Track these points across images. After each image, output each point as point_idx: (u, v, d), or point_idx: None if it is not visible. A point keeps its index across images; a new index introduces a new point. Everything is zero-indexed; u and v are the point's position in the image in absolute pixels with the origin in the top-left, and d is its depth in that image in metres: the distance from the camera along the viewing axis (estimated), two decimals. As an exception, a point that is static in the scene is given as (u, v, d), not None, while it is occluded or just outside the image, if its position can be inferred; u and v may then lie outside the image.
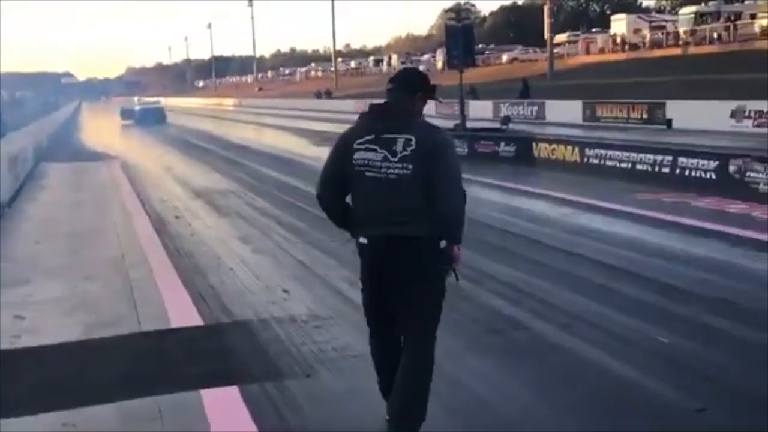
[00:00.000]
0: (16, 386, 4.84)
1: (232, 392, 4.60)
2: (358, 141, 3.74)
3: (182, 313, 6.27)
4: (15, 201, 13.27)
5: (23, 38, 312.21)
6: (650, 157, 12.82)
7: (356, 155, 3.72)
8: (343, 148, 3.82)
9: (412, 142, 3.63)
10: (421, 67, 72.95)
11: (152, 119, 43.02)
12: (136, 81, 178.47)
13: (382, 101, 3.91)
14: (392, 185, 3.63)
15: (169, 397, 4.55)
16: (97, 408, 4.43)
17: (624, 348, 5.15)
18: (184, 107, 76.48)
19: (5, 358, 5.37)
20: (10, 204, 12.68)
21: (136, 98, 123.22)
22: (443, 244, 3.74)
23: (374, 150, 3.68)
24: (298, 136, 29.47)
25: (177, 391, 4.62)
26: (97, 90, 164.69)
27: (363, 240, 3.77)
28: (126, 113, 47.86)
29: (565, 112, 29.57)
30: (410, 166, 3.61)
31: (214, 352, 5.34)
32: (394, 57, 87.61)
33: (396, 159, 3.63)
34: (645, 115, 25.65)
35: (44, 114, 38.73)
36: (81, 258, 8.58)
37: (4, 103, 27.43)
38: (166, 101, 61.31)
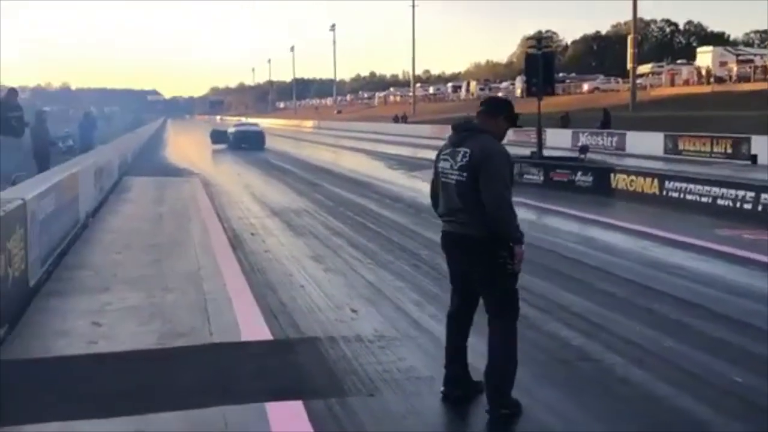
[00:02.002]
0: (91, 389, 4.99)
1: (296, 407, 4.65)
2: (442, 152, 4.64)
3: (253, 327, 6.37)
4: (98, 212, 13.71)
5: (112, 54, 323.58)
6: (732, 192, 12.48)
7: (439, 164, 4.64)
8: (436, 157, 4.71)
9: (467, 154, 4.43)
10: (500, 94, 73.15)
11: (249, 144, 36.32)
12: (219, 100, 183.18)
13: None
14: (454, 190, 4.49)
15: (236, 408, 4.63)
16: (167, 415, 4.54)
17: (697, 385, 5.01)
18: (265, 127, 77.84)
19: (82, 362, 5.55)
20: (93, 215, 13.11)
21: (218, 117, 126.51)
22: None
23: (447, 159, 4.56)
24: (373, 159, 29.72)
25: (243, 403, 4.70)
26: (181, 108, 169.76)
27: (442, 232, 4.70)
28: (217, 136, 39.67)
29: (646, 143, 29.05)
30: (465, 174, 4.42)
31: (281, 366, 5.41)
32: (473, 83, 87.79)
33: (456, 168, 4.47)
34: (729, 150, 24.99)
35: (130, 129, 39.97)
36: (159, 269, 8.80)
37: (92, 117, 28.43)
38: (247, 121, 58.91)
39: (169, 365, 5.47)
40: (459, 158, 4.45)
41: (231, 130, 39.58)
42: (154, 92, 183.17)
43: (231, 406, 4.64)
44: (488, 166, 4.36)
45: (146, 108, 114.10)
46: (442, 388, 4.75)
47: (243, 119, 68.33)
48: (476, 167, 4.37)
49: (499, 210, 4.35)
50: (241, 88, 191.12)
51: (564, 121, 35.93)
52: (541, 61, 18.76)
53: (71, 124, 30.17)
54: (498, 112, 4.64)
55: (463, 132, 4.58)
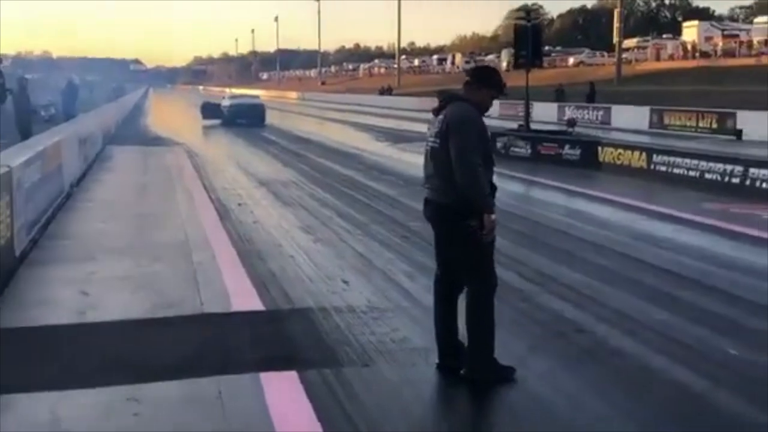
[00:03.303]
0: (82, 359, 4.93)
1: (291, 377, 4.61)
2: (430, 122, 4.68)
3: (243, 297, 6.31)
4: (83, 181, 13.56)
5: (95, 23, 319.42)
6: (720, 166, 12.50)
7: (427, 133, 4.68)
8: (427, 128, 4.73)
9: (442, 121, 4.49)
10: (485, 67, 72.62)
11: (248, 119, 31.54)
12: (201, 70, 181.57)
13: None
14: (430, 157, 4.57)
15: (229, 378, 4.58)
16: (160, 385, 4.48)
17: (691, 357, 5.00)
18: (248, 98, 77.03)
19: (71, 332, 5.48)
20: (78, 183, 12.96)
21: (200, 87, 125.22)
22: None
23: (429, 129, 4.65)
24: (359, 131, 29.58)
25: (237, 373, 4.65)
26: (164, 77, 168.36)
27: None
28: (209, 110, 34.17)
29: (632, 118, 29.06)
30: (438, 141, 4.50)
31: (274, 337, 5.36)
32: (458, 56, 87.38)
33: (433, 135, 4.55)
34: (714, 125, 25.05)
35: (113, 99, 39.49)
36: (145, 239, 8.71)
37: (75, 86, 28.03)
38: (230, 91, 56.21)
39: (161, 335, 5.41)
40: (436, 125, 4.53)
41: (226, 103, 33.97)
42: (137, 61, 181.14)
43: (225, 376, 4.59)
44: (457, 134, 4.40)
45: (129, 77, 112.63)
46: (436, 361, 4.73)
47: (227, 90, 66.67)
48: (447, 133, 4.42)
49: (467, 178, 4.35)
50: (225, 58, 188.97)
51: (558, 94, 35.84)
52: (530, 33, 18.65)
53: (53, 92, 29.73)
54: (484, 83, 4.66)
55: (443, 100, 4.62)
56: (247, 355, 4.95)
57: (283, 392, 4.43)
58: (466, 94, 4.63)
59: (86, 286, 6.60)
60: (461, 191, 4.37)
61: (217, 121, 32.16)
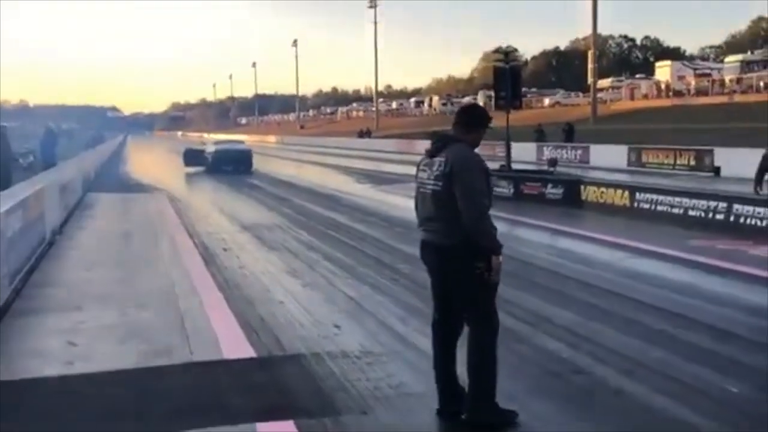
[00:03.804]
0: (72, 413, 4.79)
1: (288, 427, 4.50)
2: (420, 163, 4.66)
3: (234, 344, 6.20)
4: (64, 229, 13.39)
5: (72, 71, 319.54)
6: (703, 203, 12.57)
7: (418, 174, 4.66)
8: (416, 169, 4.71)
9: (443, 163, 4.42)
10: (463, 109, 73.16)
11: (235, 166, 29.78)
12: (180, 116, 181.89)
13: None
14: (430, 199, 4.50)
15: (225, 429, 4.47)
16: (154, 437, 4.37)
17: (692, 396, 4.95)
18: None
19: (59, 384, 5.34)
20: (60, 231, 12.80)
21: (179, 133, 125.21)
22: None
23: (425, 170, 4.58)
24: (340, 174, 29.59)
25: (233, 424, 4.54)
26: (141, 124, 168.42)
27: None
28: (191, 156, 32.38)
29: (610, 156, 29.31)
30: (440, 183, 4.42)
31: (268, 385, 5.25)
32: (435, 98, 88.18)
33: (433, 177, 4.47)
34: (692, 162, 25.28)
35: (91, 146, 39.33)
36: (131, 286, 8.58)
37: (54, 133, 27.85)
38: (209, 137, 55.19)
39: (152, 385, 5.27)
40: (435, 168, 4.46)
41: (210, 149, 32.06)
42: (114, 108, 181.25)
43: (220, 427, 4.47)
44: (464, 177, 4.34)
45: (106, 124, 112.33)
46: (437, 406, 4.64)
47: (205, 135, 66.36)
48: (451, 177, 4.35)
49: (476, 221, 4.31)
50: (203, 104, 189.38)
51: (539, 134, 36.20)
52: (509, 74, 18.84)
53: (31, 140, 29.59)
54: (473, 122, 4.64)
55: (438, 142, 4.57)
56: (242, 405, 4.84)
57: (281, 442, 4.32)
58: (459, 135, 4.59)
59: (73, 336, 6.46)
60: (470, 234, 4.31)
61: (200, 168, 31.09)
